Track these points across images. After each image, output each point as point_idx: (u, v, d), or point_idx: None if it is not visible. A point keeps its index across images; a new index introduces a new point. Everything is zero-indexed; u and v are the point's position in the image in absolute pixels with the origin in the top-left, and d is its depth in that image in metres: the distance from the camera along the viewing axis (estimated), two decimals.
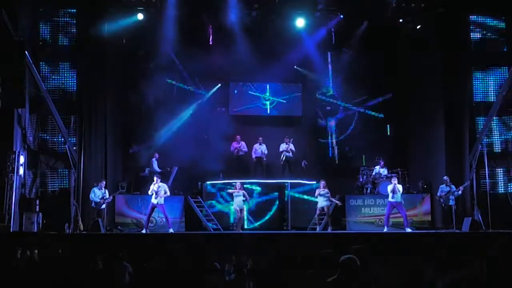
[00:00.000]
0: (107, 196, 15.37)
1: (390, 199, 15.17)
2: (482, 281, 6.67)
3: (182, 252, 9.38)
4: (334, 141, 19.76)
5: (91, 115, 16.35)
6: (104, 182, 15.52)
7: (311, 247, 11.74)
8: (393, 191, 15.02)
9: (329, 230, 15.45)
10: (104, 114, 16.56)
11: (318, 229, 15.71)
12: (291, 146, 17.90)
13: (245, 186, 16.17)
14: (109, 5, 16.58)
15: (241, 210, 15.71)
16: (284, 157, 17.84)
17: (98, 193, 15.25)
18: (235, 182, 15.98)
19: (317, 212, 15.85)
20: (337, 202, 15.97)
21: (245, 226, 16.80)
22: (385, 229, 15.20)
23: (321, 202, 15.68)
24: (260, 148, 17.91)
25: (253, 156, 18.05)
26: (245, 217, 16.70)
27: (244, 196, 15.66)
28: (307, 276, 6.47)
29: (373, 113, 19.71)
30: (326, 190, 15.65)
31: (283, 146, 17.89)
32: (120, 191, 16.43)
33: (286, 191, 17.35)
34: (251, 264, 8.48)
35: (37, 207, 15.32)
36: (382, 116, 19.71)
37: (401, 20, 17.94)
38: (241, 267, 8.17)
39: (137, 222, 16.21)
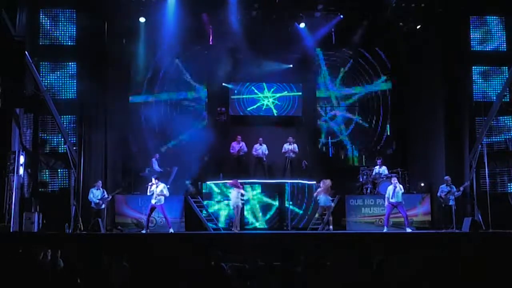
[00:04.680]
0: (106, 196, 15.37)
1: (386, 202, 15.20)
2: None
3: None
4: (334, 141, 19.76)
5: (91, 115, 16.33)
6: (101, 182, 15.48)
7: (311, 247, 11.79)
8: (388, 198, 15.04)
9: (331, 230, 15.41)
10: (104, 114, 16.54)
11: (319, 228, 15.64)
12: (294, 146, 17.80)
13: (245, 186, 16.06)
14: (109, 5, 16.57)
15: (238, 209, 15.30)
16: (288, 158, 17.75)
17: (96, 194, 15.23)
18: (229, 181, 15.69)
19: (319, 211, 15.78)
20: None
21: (246, 226, 16.77)
22: (385, 229, 15.20)
23: (324, 201, 15.58)
24: (260, 149, 17.86)
25: (253, 155, 18.01)
26: (246, 216, 16.63)
27: (242, 194, 15.44)
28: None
29: (373, 113, 19.71)
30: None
31: (286, 147, 17.83)
32: (118, 191, 16.31)
33: (286, 191, 17.32)
34: (251, 264, 8.47)
35: (37, 207, 15.31)
36: (382, 115, 19.71)
37: (401, 22, 17.95)
38: (241, 267, 8.16)
39: (137, 222, 16.19)
